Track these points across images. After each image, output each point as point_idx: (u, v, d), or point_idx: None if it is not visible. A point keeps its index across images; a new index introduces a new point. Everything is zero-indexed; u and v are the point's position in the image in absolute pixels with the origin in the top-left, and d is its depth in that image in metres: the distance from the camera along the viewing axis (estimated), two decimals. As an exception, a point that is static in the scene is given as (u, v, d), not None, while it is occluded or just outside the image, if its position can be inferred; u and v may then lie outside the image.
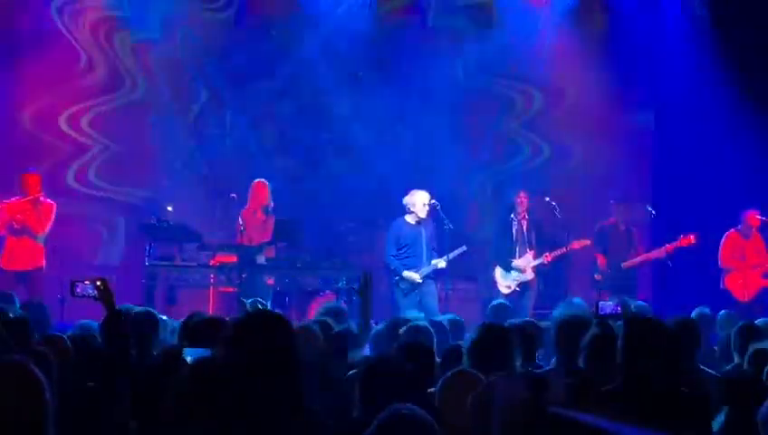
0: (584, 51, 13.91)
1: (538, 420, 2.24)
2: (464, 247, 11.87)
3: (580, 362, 5.16)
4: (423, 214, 11.77)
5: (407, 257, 11.78)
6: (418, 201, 11.75)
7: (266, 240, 11.81)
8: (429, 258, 11.78)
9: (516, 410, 2.77)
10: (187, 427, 3.83)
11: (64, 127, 13.21)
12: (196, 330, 5.66)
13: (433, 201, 11.84)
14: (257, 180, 12.04)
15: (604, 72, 13.77)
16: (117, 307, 5.48)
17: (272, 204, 11.97)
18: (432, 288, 11.79)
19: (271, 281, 11.76)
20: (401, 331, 6.61)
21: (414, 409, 3.47)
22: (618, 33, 13.85)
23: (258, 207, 11.92)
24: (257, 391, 3.69)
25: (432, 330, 6.60)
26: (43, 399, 3.68)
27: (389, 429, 3.42)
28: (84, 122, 13.32)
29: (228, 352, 3.83)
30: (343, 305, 10.89)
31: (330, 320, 6.92)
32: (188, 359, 4.66)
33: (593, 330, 5.14)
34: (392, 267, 11.77)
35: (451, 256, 11.80)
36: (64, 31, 13.09)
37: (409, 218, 11.84)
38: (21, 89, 12.98)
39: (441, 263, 11.77)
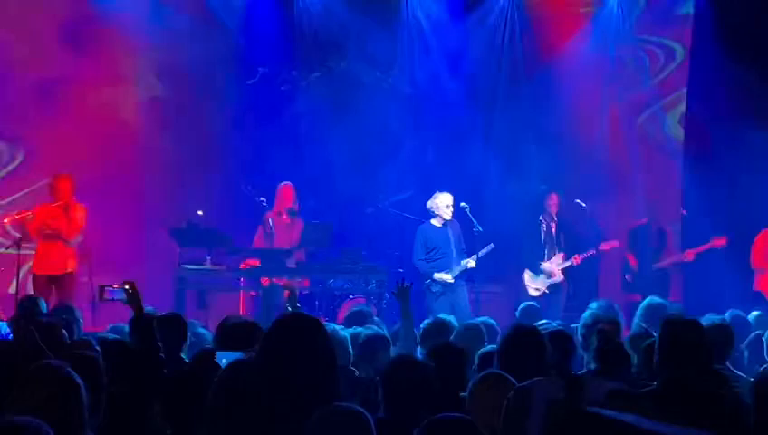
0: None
1: (578, 421, 2.22)
2: (492, 245, 11.86)
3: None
4: (448, 216, 11.79)
5: (436, 260, 11.78)
6: (442, 203, 11.77)
7: (295, 243, 11.82)
8: (459, 259, 11.78)
9: (556, 411, 2.76)
10: (223, 429, 3.83)
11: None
12: (231, 333, 5.67)
13: (462, 204, 11.85)
14: (283, 183, 12.06)
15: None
16: (145, 310, 5.51)
17: (297, 206, 11.98)
18: (464, 292, 11.79)
19: (306, 282, 11.80)
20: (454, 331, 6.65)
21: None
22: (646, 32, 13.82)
23: (283, 209, 11.93)
24: (294, 393, 3.69)
25: (484, 331, 6.61)
26: (80, 402, 3.71)
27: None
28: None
29: (265, 355, 3.84)
30: (372, 308, 10.98)
31: (356, 324, 6.94)
32: (223, 362, 4.67)
33: (636, 330, 5.11)
34: (422, 271, 11.77)
35: (480, 254, 11.79)
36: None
37: (435, 221, 11.86)
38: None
39: (471, 262, 11.77)
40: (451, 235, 11.82)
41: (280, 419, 3.68)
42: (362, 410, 3.68)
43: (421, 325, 7.43)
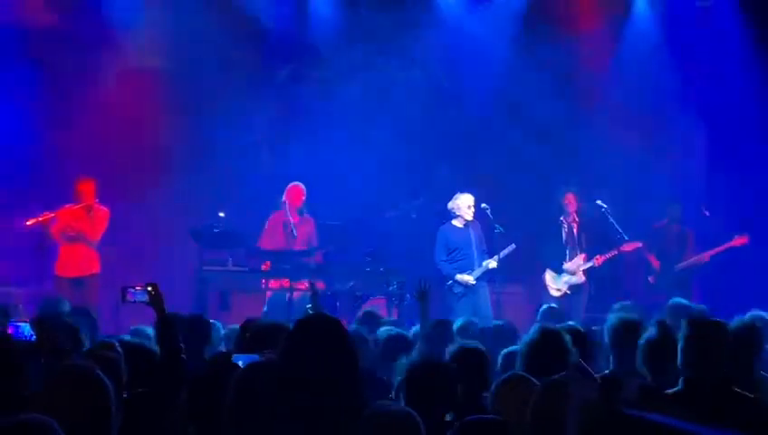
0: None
1: (612, 422, 2.21)
2: (513, 245, 11.85)
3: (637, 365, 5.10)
4: (469, 216, 11.80)
5: (458, 261, 11.78)
6: (463, 204, 11.78)
7: (313, 244, 11.82)
8: (480, 260, 11.76)
9: (591, 411, 2.74)
10: (244, 430, 3.84)
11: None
12: (254, 334, 5.67)
13: (483, 205, 11.84)
14: (292, 183, 12.06)
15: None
16: (168, 312, 5.51)
17: (301, 205, 11.91)
18: (486, 292, 11.78)
19: (321, 285, 11.77)
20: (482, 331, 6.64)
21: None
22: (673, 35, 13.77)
23: (294, 209, 11.91)
24: (315, 394, 3.69)
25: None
26: (108, 402, 3.72)
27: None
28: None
29: (287, 355, 3.84)
30: (393, 309, 10.98)
31: (367, 326, 6.94)
32: (240, 364, 4.67)
33: (651, 332, 5.08)
34: (444, 272, 11.77)
35: (502, 254, 11.79)
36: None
37: (456, 222, 11.86)
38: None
39: (492, 263, 11.76)
40: (472, 235, 11.82)
41: (301, 420, 3.68)
42: (412, 410, 3.68)
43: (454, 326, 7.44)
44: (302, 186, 12.05)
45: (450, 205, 11.91)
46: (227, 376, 4.33)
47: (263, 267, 11.69)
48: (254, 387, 3.94)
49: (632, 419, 2.23)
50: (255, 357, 4.92)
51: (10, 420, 3.29)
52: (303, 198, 11.99)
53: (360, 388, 3.79)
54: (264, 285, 11.79)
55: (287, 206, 11.90)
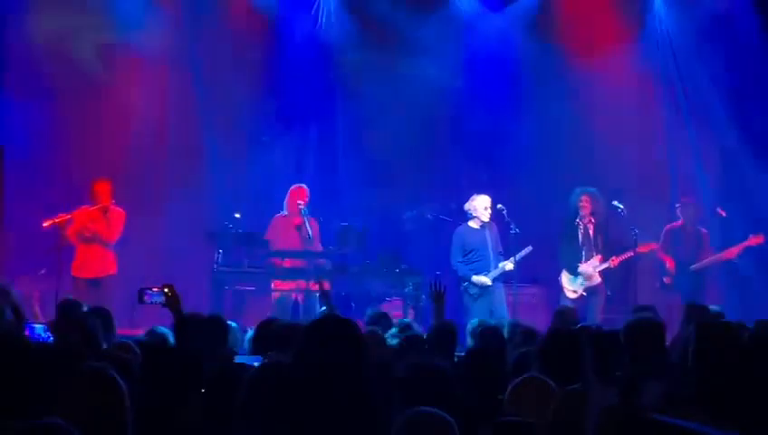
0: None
1: (633, 426, 2.21)
2: (530, 248, 11.85)
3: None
4: (485, 218, 11.80)
5: (474, 262, 11.78)
6: (480, 205, 11.79)
7: (318, 243, 11.82)
8: (496, 262, 11.76)
9: (612, 416, 2.74)
10: (259, 429, 3.85)
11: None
12: (270, 335, 5.69)
13: (499, 205, 11.83)
14: (294, 185, 12.06)
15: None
16: (184, 313, 5.53)
17: (302, 205, 11.90)
18: (502, 294, 11.78)
19: (327, 285, 11.77)
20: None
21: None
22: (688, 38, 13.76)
23: (293, 210, 11.91)
24: (327, 393, 3.70)
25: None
26: (123, 405, 3.74)
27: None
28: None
29: (299, 356, 3.85)
30: (410, 310, 10.98)
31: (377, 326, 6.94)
32: (253, 364, 4.70)
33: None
34: (460, 273, 11.77)
35: (518, 256, 11.78)
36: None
37: (473, 223, 11.87)
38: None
39: (509, 265, 11.76)
40: (488, 237, 11.82)
41: (312, 420, 3.69)
42: (446, 414, 3.67)
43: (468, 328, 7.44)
44: (305, 186, 12.04)
45: (467, 206, 11.92)
46: (239, 377, 4.35)
47: (277, 267, 11.68)
48: (266, 388, 3.96)
49: (654, 422, 2.22)
50: (258, 358, 4.94)
51: (27, 424, 3.30)
52: (305, 196, 11.96)
53: (373, 389, 3.80)
54: (273, 286, 11.77)
55: (288, 207, 11.90)
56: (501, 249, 11.88)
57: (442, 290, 7.30)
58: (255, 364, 4.66)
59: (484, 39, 14.09)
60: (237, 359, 5.45)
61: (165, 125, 13.52)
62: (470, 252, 11.81)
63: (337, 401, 3.71)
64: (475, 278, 11.72)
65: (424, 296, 11.28)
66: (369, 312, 8.90)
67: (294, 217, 11.87)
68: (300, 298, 11.61)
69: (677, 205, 12.66)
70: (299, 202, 11.84)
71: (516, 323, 7.87)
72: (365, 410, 3.73)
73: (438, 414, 3.68)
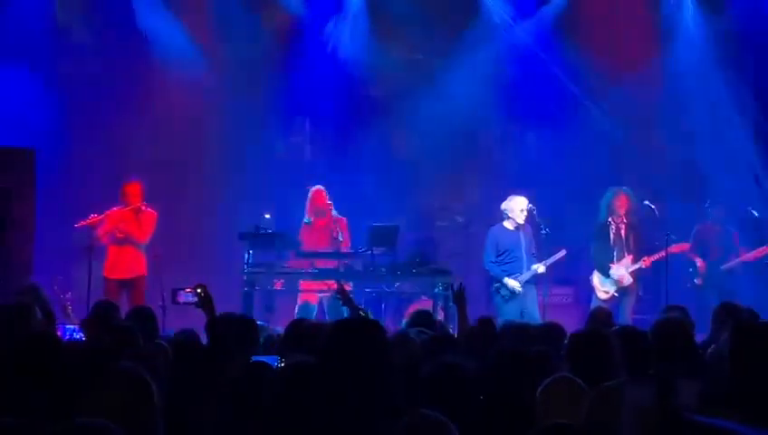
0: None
1: (671, 426, 2.20)
2: (563, 252, 11.82)
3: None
4: (521, 220, 11.77)
5: (507, 263, 11.76)
6: (516, 207, 11.75)
7: (348, 244, 11.83)
8: (529, 264, 11.73)
9: (647, 415, 2.73)
10: (281, 429, 3.87)
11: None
12: (300, 335, 5.70)
13: (529, 205, 11.80)
14: (313, 187, 12.08)
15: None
16: (216, 313, 5.56)
17: (325, 208, 11.93)
18: (533, 295, 11.76)
19: (348, 286, 11.78)
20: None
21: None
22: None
23: (314, 213, 11.92)
24: (349, 394, 3.71)
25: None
26: (152, 402, 3.76)
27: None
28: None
29: (323, 357, 3.87)
30: (439, 310, 10.96)
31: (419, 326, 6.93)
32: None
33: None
34: (493, 274, 11.76)
35: (551, 260, 11.75)
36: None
37: (507, 224, 11.84)
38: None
39: (541, 268, 11.73)
40: (523, 239, 11.78)
41: (336, 420, 3.70)
42: (445, 419, 3.67)
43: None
44: (322, 188, 12.04)
45: (503, 205, 11.87)
46: (263, 377, 4.37)
47: (306, 268, 11.70)
48: (289, 388, 3.97)
49: (692, 423, 2.21)
50: (274, 358, 4.96)
51: (71, 424, 3.32)
52: (325, 199, 11.97)
53: (397, 391, 3.80)
54: (300, 288, 11.79)
55: (308, 209, 11.92)
56: (534, 251, 11.84)
57: (462, 289, 7.30)
58: (275, 364, 4.69)
59: (514, 42, 14.05)
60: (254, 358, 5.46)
61: (196, 126, 13.57)
62: (503, 253, 11.78)
63: (359, 402, 3.71)
64: (506, 281, 11.70)
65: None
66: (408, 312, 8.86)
67: (320, 218, 11.89)
68: (326, 300, 11.62)
69: (708, 205, 12.60)
70: (329, 203, 11.88)
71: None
72: (388, 412, 3.73)
73: (436, 417, 3.67)
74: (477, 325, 7.08)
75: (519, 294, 11.68)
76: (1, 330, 5.99)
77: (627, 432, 3.20)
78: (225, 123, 13.58)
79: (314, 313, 11.49)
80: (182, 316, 9.26)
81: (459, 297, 7.30)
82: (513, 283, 11.69)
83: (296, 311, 11.54)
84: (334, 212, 11.89)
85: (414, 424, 3.62)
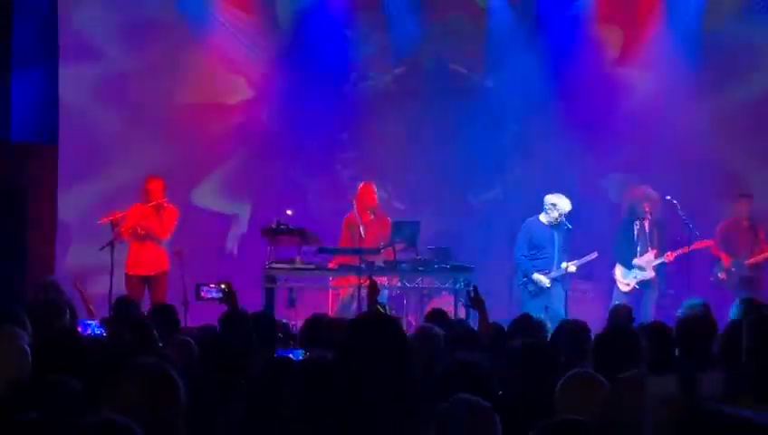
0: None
1: (695, 418, 2.18)
2: (595, 254, 11.75)
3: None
4: (557, 222, 11.65)
5: (538, 259, 11.71)
6: (559, 208, 11.58)
7: (384, 242, 11.81)
8: (560, 262, 11.67)
9: (672, 407, 2.70)
10: (301, 424, 3.88)
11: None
12: (318, 331, 5.71)
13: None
14: (364, 182, 12.09)
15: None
16: (240, 309, 5.57)
17: (377, 205, 11.95)
18: (559, 291, 11.70)
19: (383, 280, 11.79)
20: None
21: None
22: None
23: (364, 209, 11.93)
24: (368, 391, 3.71)
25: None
26: (177, 398, 3.77)
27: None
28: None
29: (342, 354, 3.87)
30: (461, 306, 10.93)
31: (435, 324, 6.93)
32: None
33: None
34: (523, 267, 11.71)
35: (582, 261, 11.70)
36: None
37: (543, 218, 11.74)
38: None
39: (572, 267, 11.67)
40: (557, 237, 11.69)
41: (354, 417, 3.70)
42: (488, 404, 3.70)
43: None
44: (373, 185, 12.06)
45: (548, 199, 11.74)
46: (283, 372, 4.37)
47: (329, 265, 11.71)
48: (308, 384, 3.98)
49: (717, 414, 2.19)
50: (298, 353, 4.96)
51: (95, 419, 3.33)
52: (375, 196, 11.99)
53: (416, 387, 3.81)
54: (331, 284, 11.81)
55: (356, 206, 11.93)
56: (568, 249, 11.78)
57: (478, 294, 7.30)
58: (297, 359, 4.70)
59: (533, 35, 14.01)
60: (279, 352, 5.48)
61: (219, 121, 13.61)
62: (536, 248, 11.72)
63: (378, 399, 3.71)
64: (535, 276, 11.65)
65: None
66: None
67: (363, 214, 11.90)
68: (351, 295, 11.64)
69: (732, 200, 12.53)
70: (367, 201, 11.91)
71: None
72: (407, 409, 3.73)
73: (479, 402, 3.69)
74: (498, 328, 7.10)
75: (545, 290, 11.63)
76: (40, 328, 6.02)
77: (648, 425, 3.18)
78: (251, 117, 13.62)
79: (353, 306, 11.46)
80: (202, 312, 9.33)
81: (477, 302, 7.30)
82: (542, 278, 11.64)
83: (338, 307, 11.56)
84: (375, 212, 11.92)
85: (457, 408, 3.64)
